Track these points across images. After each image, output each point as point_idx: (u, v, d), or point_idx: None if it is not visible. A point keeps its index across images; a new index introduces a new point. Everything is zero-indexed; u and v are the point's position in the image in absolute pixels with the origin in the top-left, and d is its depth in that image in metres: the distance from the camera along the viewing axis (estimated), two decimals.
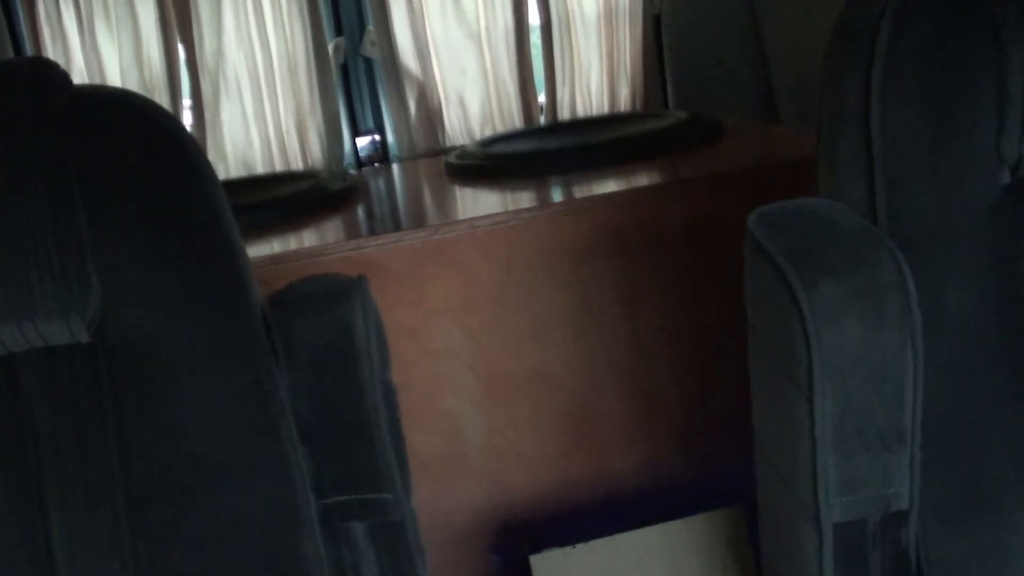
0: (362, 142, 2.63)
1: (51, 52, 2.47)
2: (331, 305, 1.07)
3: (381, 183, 2.34)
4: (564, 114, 2.68)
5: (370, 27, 2.59)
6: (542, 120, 2.68)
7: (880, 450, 0.98)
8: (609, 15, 2.65)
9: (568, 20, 2.64)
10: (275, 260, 1.62)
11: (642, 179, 1.83)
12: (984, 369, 1.02)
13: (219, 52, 2.52)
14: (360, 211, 1.98)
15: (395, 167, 2.54)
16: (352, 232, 1.82)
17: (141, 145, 1.05)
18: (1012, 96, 1.01)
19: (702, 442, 1.75)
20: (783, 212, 1.05)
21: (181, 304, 1.03)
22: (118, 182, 1.03)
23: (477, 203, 1.94)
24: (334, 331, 1.06)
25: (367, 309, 1.07)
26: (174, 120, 1.08)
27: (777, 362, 1.01)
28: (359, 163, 2.63)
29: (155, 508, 1.01)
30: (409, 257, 1.64)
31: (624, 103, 2.70)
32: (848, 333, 0.95)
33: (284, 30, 2.53)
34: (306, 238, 1.81)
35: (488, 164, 2.08)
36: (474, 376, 1.68)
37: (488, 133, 2.62)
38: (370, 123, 2.67)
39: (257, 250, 1.68)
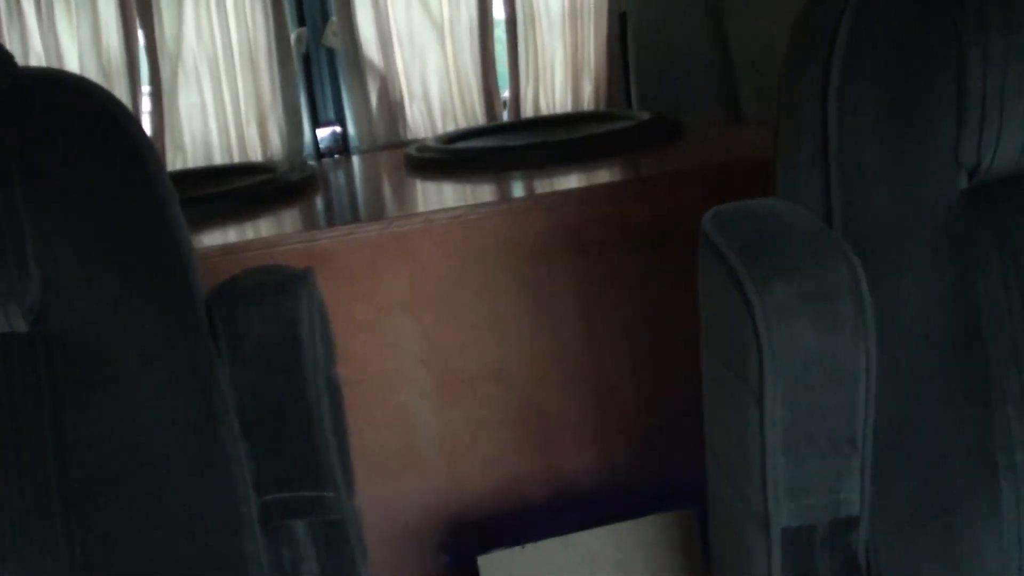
0: (323, 133, 2.60)
1: (7, 34, 2.43)
2: (276, 298, 1.05)
3: (340, 175, 2.32)
4: (527, 110, 2.66)
5: (333, 17, 2.56)
6: (505, 116, 2.66)
7: (831, 455, 0.97)
8: (574, 12, 2.64)
9: (533, 15, 2.62)
10: (227, 251, 1.59)
11: (602, 176, 1.82)
12: (938, 374, 1.01)
13: (179, 39, 2.49)
14: (317, 202, 1.96)
15: (355, 159, 2.52)
16: (308, 224, 1.79)
17: (86, 132, 1.02)
18: (971, 100, 1.00)
19: (656, 443, 1.74)
20: (738, 212, 1.04)
21: (122, 295, 1.01)
22: (61, 169, 1.01)
23: (435, 197, 1.92)
24: (278, 325, 1.04)
25: (313, 303, 1.05)
26: (121, 107, 1.06)
27: (728, 364, 0.99)
28: (319, 154, 2.60)
29: (91, 504, 0.99)
30: (364, 250, 1.62)
31: (587, 100, 2.68)
32: (800, 335, 0.93)
33: (245, 18, 2.50)
34: (262, 228, 1.79)
35: (448, 158, 2.06)
36: (428, 372, 1.66)
37: (450, 127, 2.60)
38: (331, 114, 2.64)
39: (211, 240, 1.66)
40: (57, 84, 1.04)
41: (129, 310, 1.00)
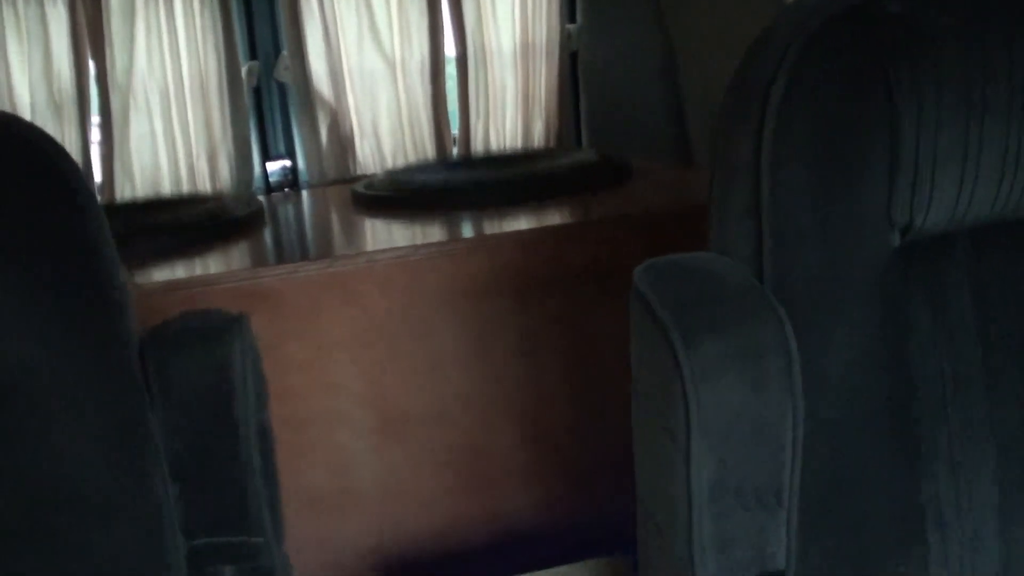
0: (272, 167, 2.60)
1: None
2: (208, 344, 1.04)
3: (287, 210, 2.31)
4: (477, 146, 2.67)
5: (284, 52, 2.56)
6: (455, 152, 2.67)
7: (757, 510, 0.97)
8: (526, 50, 2.65)
9: (485, 53, 2.64)
10: (168, 288, 1.59)
11: (546, 218, 1.82)
12: (866, 432, 1.02)
13: (130, 69, 2.49)
14: (262, 239, 1.95)
15: (304, 194, 2.52)
16: (253, 260, 1.79)
17: (16, 171, 1.01)
18: (903, 159, 1.01)
19: (596, 486, 1.74)
20: (671, 265, 1.04)
21: (51, 337, 1.00)
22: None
23: (380, 235, 1.92)
24: (210, 371, 1.03)
25: (246, 349, 1.05)
26: (54, 145, 1.05)
27: (656, 417, 1.00)
28: (268, 188, 2.60)
29: (16, 548, 0.98)
30: (306, 289, 1.61)
31: (538, 138, 2.70)
32: (727, 392, 0.94)
33: (197, 50, 2.50)
34: (210, 264, 1.78)
35: (395, 195, 2.06)
36: (368, 412, 1.66)
37: (400, 162, 2.60)
38: (281, 148, 2.64)
39: (154, 275, 1.65)
40: None
41: (58, 354, 0.99)
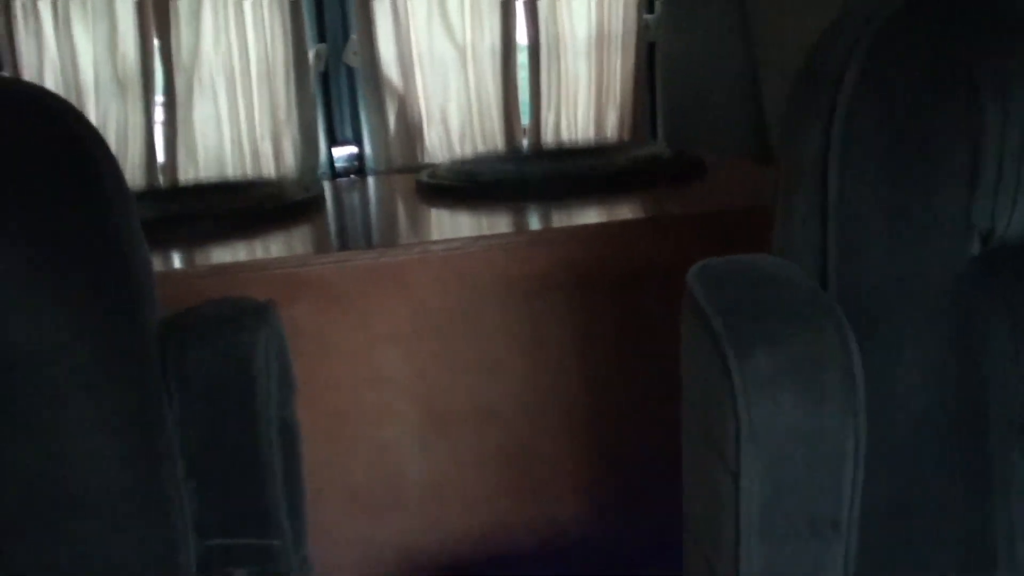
0: (339, 152, 2.55)
1: (23, 40, 2.39)
2: (231, 333, 0.99)
3: (350, 197, 2.28)
4: (548, 137, 2.59)
5: (353, 35, 2.51)
6: (525, 142, 2.60)
7: (811, 539, 0.89)
8: (601, 39, 2.57)
9: (558, 42, 2.56)
10: (213, 272, 1.55)
11: (612, 213, 1.76)
12: (934, 456, 0.94)
13: (196, 50, 2.45)
14: (320, 225, 1.91)
15: (370, 181, 2.47)
16: (306, 246, 1.75)
17: (40, 147, 0.97)
18: (986, 159, 0.93)
19: (646, 499, 1.66)
20: (727, 268, 0.97)
21: (67, 321, 0.95)
22: (11, 185, 0.95)
23: (441, 225, 1.87)
24: (231, 362, 0.98)
25: (271, 340, 0.99)
26: (84, 123, 1.01)
27: (705, 433, 0.92)
28: (334, 173, 2.55)
29: (18, 542, 0.93)
30: (356, 278, 1.56)
31: (611, 130, 2.62)
32: (782, 408, 0.86)
33: (264, 32, 2.45)
34: (264, 248, 1.74)
35: (460, 185, 2.01)
36: (415, 408, 1.60)
37: (468, 151, 2.54)
38: (348, 133, 2.59)
39: (209, 258, 1.64)
40: (16, 97, 0.99)
41: (74, 338, 0.95)
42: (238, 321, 0.99)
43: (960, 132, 0.93)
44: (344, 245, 1.67)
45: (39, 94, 1.00)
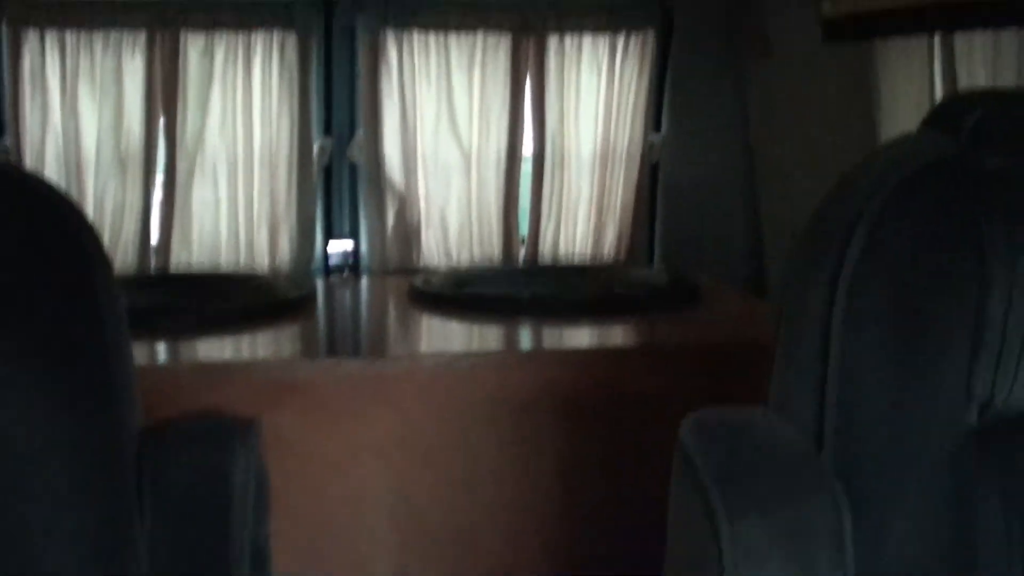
0: (334, 248, 2.53)
1: (28, 111, 2.39)
2: (210, 453, 0.96)
3: (342, 297, 2.26)
4: (546, 249, 2.58)
5: (360, 131, 2.51)
6: (522, 252, 2.59)
7: None
8: (605, 156, 2.58)
9: (563, 155, 2.56)
10: (197, 369, 1.53)
11: (604, 338, 1.75)
12: None
13: (201, 132, 2.45)
14: (309, 325, 1.89)
15: (363, 280, 2.45)
16: (294, 347, 1.73)
17: (33, 236, 0.95)
18: (991, 323, 0.91)
19: None
20: (721, 423, 0.95)
21: (40, 412, 0.92)
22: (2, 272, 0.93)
23: (432, 335, 1.85)
24: (208, 481, 0.95)
25: (250, 461, 0.96)
26: (76, 213, 0.98)
27: None
28: (327, 269, 2.52)
29: None
30: (342, 386, 1.54)
31: (608, 247, 2.61)
32: None
33: (271, 120, 2.46)
34: (252, 346, 1.73)
35: (453, 296, 2.00)
36: (395, 529, 1.58)
37: (465, 257, 2.53)
38: (346, 229, 2.57)
39: (194, 352, 1.64)
40: (10, 185, 0.97)
41: (46, 430, 0.91)
42: (219, 440, 0.96)
43: (966, 299, 0.91)
44: (332, 350, 1.65)
45: (32, 183, 0.98)
